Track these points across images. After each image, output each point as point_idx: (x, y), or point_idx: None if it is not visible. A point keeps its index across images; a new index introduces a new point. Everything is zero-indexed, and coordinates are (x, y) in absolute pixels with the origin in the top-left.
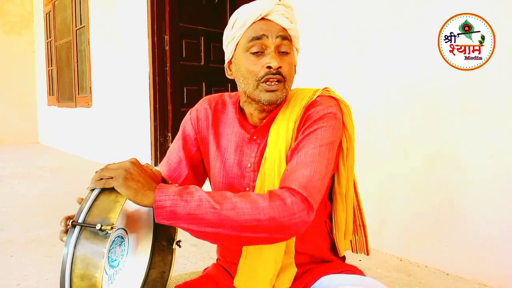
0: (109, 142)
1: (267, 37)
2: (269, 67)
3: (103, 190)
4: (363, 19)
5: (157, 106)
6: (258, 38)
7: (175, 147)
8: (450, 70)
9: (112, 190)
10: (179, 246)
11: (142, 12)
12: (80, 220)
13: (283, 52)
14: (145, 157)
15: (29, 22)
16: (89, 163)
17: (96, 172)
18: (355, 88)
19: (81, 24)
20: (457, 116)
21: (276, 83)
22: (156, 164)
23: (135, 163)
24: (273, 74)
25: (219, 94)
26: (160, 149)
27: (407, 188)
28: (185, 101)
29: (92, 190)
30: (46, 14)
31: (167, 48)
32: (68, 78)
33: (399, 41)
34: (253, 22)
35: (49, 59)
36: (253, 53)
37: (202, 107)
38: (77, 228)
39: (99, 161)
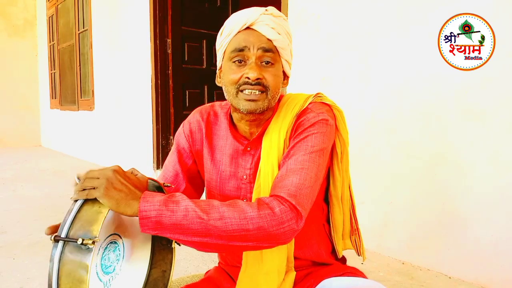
0: (111, 145)
1: (249, 48)
2: (247, 78)
3: (86, 201)
4: (365, 23)
5: (159, 109)
6: (241, 49)
7: (170, 161)
8: (452, 73)
9: (95, 200)
10: (179, 244)
11: (144, 15)
12: (63, 234)
13: (267, 63)
14: (147, 160)
15: (32, 25)
16: (92, 165)
17: (79, 177)
18: (357, 92)
19: (83, 28)
20: (459, 119)
21: (258, 93)
22: (158, 167)
23: (117, 170)
24: (252, 84)
25: (210, 104)
26: (162, 152)
27: (409, 191)
28: (187, 104)
29: (76, 201)
30: (49, 18)
31: (169, 51)
32: (71, 81)
33: (400, 45)
34: (238, 32)
35: (51, 62)
36: (236, 63)
37: (194, 119)
38: (60, 243)
39: (102, 164)
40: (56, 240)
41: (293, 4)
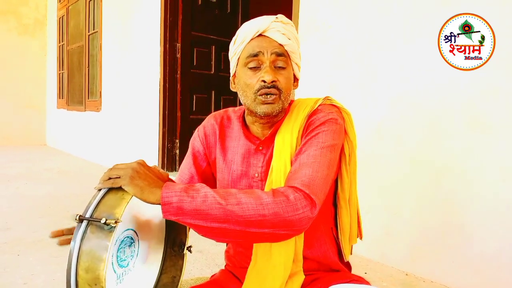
0: (117, 146)
1: (263, 54)
2: (263, 81)
3: (110, 189)
4: (373, 33)
5: (167, 112)
6: (255, 55)
7: (185, 165)
8: (460, 84)
9: (119, 188)
10: (190, 251)
11: (155, 19)
12: (87, 216)
13: (279, 67)
14: (153, 162)
15: (43, 25)
16: (96, 166)
17: (104, 173)
18: (365, 100)
19: (94, 29)
20: (466, 130)
21: (274, 96)
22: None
23: (142, 163)
24: (268, 87)
25: (224, 110)
26: (167, 155)
27: (414, 201)
28: (194, 109)
29: (100, 190)
30: (59, 18)
31: (178, 55)
32: (79, 82)
33: (408, 56)
34: (251, 39)
35: (60, 62)
36: (251, 68)
37: (209, 123)
38: (84, 223)
39: (107, 165)
40: (81, 220)
41: (304, 12)
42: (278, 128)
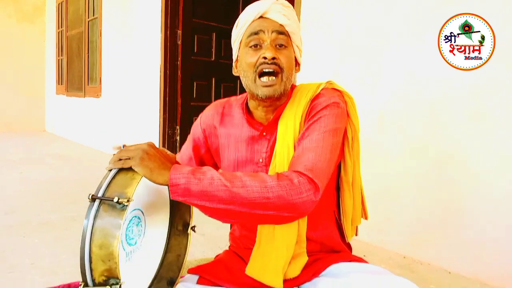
0: (117, 132)
1: (264, 32)
2: (264, 58)
3: (121, 170)
4: (377, 23)
5: (167, 99)
6: (256, 33)
7: (185, 148)
8: (461, 74)
9: (129, 169)
10: (194, 231)
11: (156, 5)
12: (99, 195)
13: (281, 46)
14: None
15: (42, 11)
16: (96, 152)
17: (114, 154)
18: (368, 89)
19: (93, 15)
20: (467, 119)
21: (274, 78)
22: None
23: (151, 145)
24: (269, 63)
25: (225, 98)
26: (168, 142)
27: (414, 187)
28: (194, 95)
29: (110, 170)
30: (58, 4)
31: (179, 42)
32: (78, 68)
33: (412, 45)
34: (253, 21)
35: (59, 48)
36: (252, 47)
37: (210, 112)
38: (97, 202)
39: (106, 151)
40: (93, 199)
41: (306, 2)
42: (281, 112)
